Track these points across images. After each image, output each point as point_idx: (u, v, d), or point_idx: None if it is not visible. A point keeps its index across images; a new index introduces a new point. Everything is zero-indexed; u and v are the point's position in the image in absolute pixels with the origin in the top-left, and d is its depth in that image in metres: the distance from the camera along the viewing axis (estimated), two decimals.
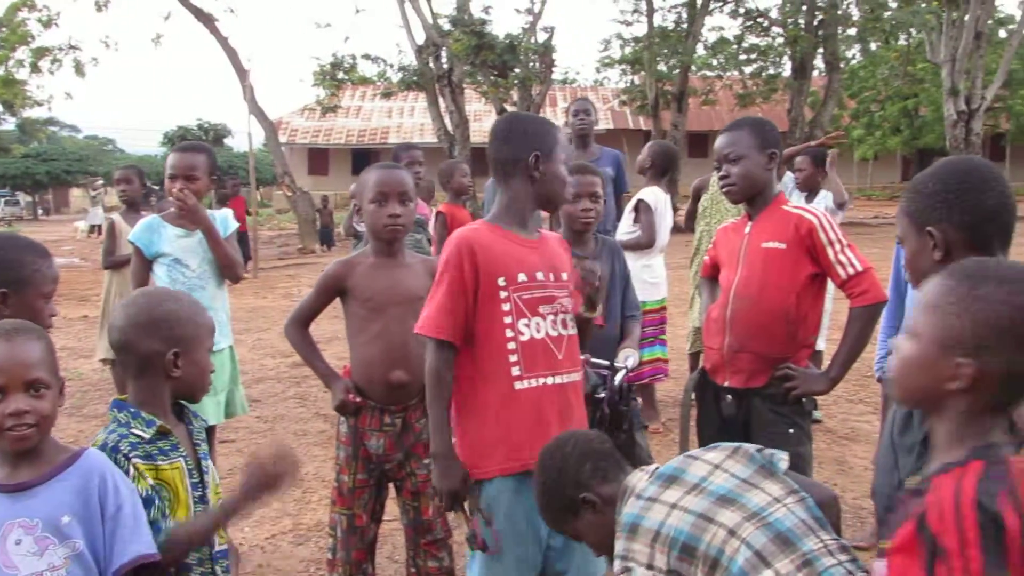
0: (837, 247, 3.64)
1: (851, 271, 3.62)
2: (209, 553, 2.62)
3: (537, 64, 26.77)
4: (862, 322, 3.64)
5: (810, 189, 7.25)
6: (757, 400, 3.72)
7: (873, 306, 3.64)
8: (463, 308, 2.99)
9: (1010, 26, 33.67)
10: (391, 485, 3.89)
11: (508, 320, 3.01)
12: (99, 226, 30.62)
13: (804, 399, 3.70)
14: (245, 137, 34.50)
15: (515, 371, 3.01)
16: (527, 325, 3.01)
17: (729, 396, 3.80)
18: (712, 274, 4.05)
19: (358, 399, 3.63)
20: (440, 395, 3.00)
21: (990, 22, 30.62)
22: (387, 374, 3.64)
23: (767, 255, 3.72)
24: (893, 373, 1.90)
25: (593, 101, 7.78)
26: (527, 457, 2.88)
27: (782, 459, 2.56)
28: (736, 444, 2.58)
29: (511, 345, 3.01)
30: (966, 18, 27.73)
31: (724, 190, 3.82)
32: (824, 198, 7.12)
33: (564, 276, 3.15)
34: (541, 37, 26.98)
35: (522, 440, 2.98)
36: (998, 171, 2.50)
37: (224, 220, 4.92)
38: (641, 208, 6.78)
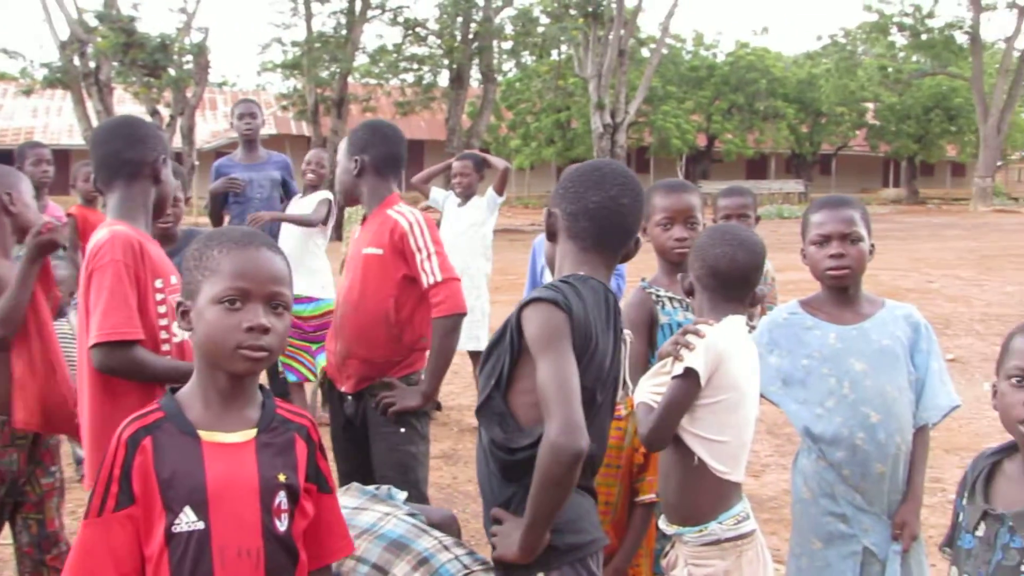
0: (424, 254, 3.89)
1: (432, 280, 3.87)
2: None
3: (192, 65, 27.38)
4: (443, 331, 3.88)
5: (469, 195, 7.76)
6: (371, 401, 3.97)
7: (449, 317, 3.87)
8: (133, 304, 3.03)
9: (652, 45, 37.95)
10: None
11: (164, 323, 3.10)
12: None
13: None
14: None
15: None
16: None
17: (350, 397, 4.05)
18: None
19: None
20: (163, 363, 3.06)
21: (633, 41, 34.72)
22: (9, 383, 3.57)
23: (367, 261, 3.97)
24: None
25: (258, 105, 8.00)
26: None
27: (399, 492, 3.00)
28: (351, 484, 3.07)
29: (166, 347, 3.11)
30: (610, 36, 31.45)
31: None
32: (481, 201, 7.74)
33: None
34: (196, 37, 27.51)
35: None
36: (628, 179, 2.68)
37: None
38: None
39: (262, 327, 2.09)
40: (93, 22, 26.10)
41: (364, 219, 4.20)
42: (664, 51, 38.04)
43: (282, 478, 2.16)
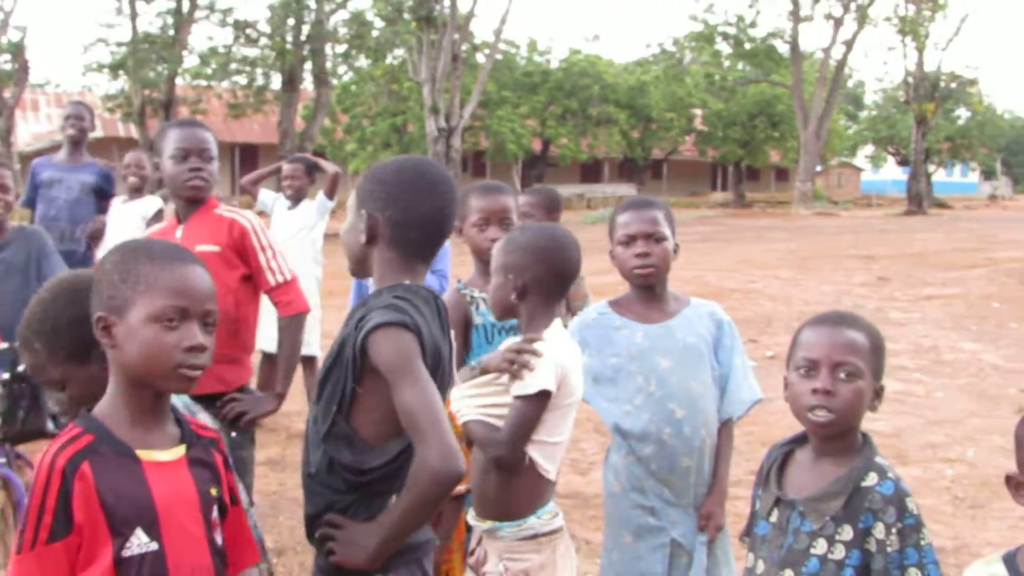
0: (268, 253, 3.94)
1: (280, 279, 3.93)
2: None
3: (11, 65, 26.41)
4: (292, 331, 3.94)
5: (299, 198, 7.68)
6: (213, 409, 3.79)
7: (298, 316, 3.96)
8: None
9: (486, 51, 38.29)
10: None
11: None
12: None
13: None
14: None
15: None
16: None
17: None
18: None
19: None
20: None
21: (467, 46, 34.95)
22: None
23: (202, 258, 4.49)
24: None
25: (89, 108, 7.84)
26: None
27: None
28: None
29: None
30: (444, 41, 31.57)
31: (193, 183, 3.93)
32: (311, 205, 7.67)
33: None
34: (14, 36, 26.70)
35: None
36: (452, 184, 2.61)
37: None
38: None
39: (201, 346, 2.06)
40: None
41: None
42: (498, 56, 38.52)
43: (213, 492, 2.16)
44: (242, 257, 3.90)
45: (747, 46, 44.68)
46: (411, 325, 2.35)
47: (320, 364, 6.49)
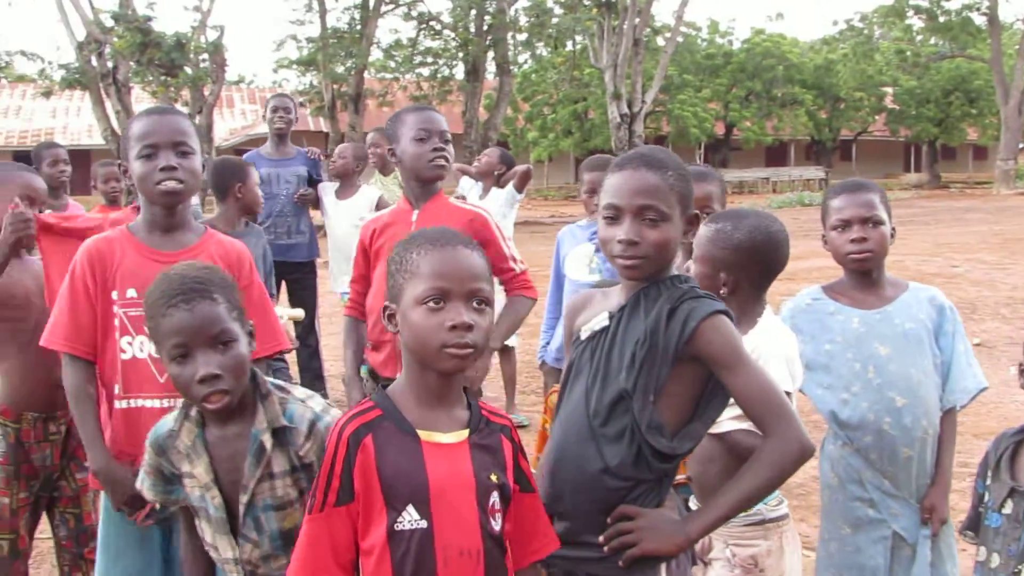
0: (508, 242, 4.09)
1: (521, 267, 4.10)
2: None
3: (208, 63, 27.53)
4: (521, 306, 4.14)
5: (489, 186, 7.76)
6: None
7: (533, 300, 4.15)
8: (84, 317, 3.00)
9: (666, 34, 37.84)
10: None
11: (116, 336, 3.00)
12: None
13: None
14: None
15: (116, 389, 3.02)
16: (130, 343, 2.99)
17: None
18: None
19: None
20: (85, 410, 3.03)
21: (647, 30, 34.64)
22: (52, 374, 3.43)
23: None
24: None
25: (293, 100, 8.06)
26: None
27: None
28: None
29: (116, 363, 3.02)
30: (625, 26, 31.40)
31: (437, 162, 3.96)
32: (499, 195, 7.62)
33: None
34: (212, 36, 27.65)
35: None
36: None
37: None
38: None
39: (465, 324, 2.13)
40: (109, 22, 26.22)
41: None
42: (679, 39, 38.00)
43: (494, 478, 2.21)
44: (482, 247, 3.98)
45: (941, 19, 42.73)
46: (731, 314, 2.40)
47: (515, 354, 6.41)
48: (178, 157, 2.99)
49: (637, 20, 31.55)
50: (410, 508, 2.13)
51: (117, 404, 3.00)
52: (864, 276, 3.33)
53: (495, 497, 2.22)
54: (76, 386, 3.02)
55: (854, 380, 3.25)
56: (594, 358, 2.47)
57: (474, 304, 2.17)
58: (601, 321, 2.49)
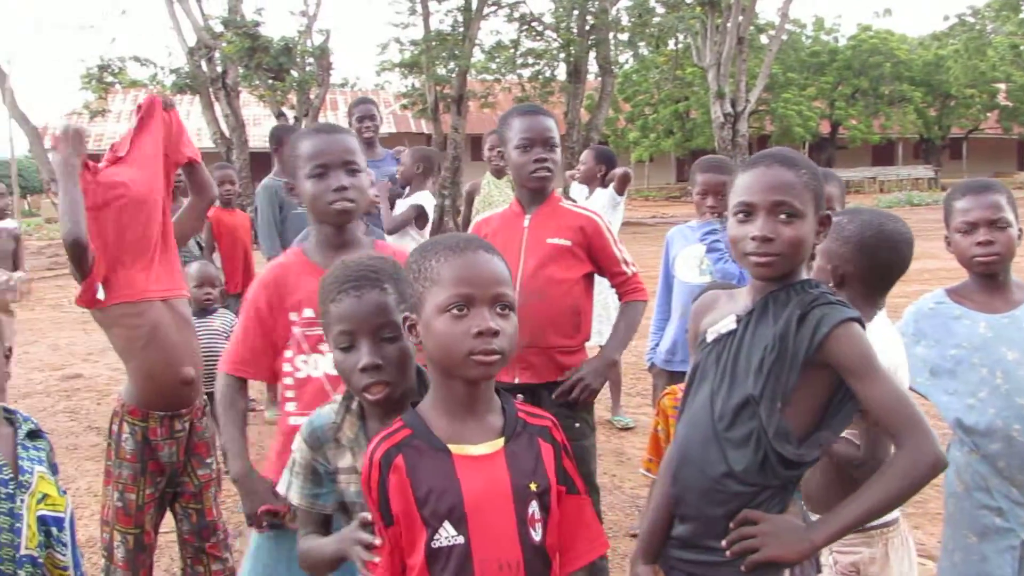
0: (620, 245, 4.05)
1: (633, 269, 4.04)
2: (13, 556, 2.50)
3: (314, 67, 27.98)
4: (635, 311, 4.08)
5: (592, 187, 7.80)
6: (545, 394, 3.90)
7: (644, 302, 4.09)
8: (258, 342, 3.10)
9: (771, 32, 37.37)
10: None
11: (289, 355, 3.07)
12: None
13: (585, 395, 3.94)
14: (6, 143, 34.09)
15: (289, 407, 3.10)
16: (305, 362, 3.06)
17: (520, 394, 3.72)
18: None
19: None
20: (231, 420, 3.13)
21: (751, 28, 34.21)
22: (177, 373, 3.80)
23: (552, 250, 3.93)
24: None
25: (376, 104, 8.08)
26: None
27: None
28: None
29: (288, 380, 3.09)
30: (728, 24, 31.04)
31: (539, 174, 3.93)
32: (603, 195, 7.64)
33: None
34: (317, 39, 28.16)
35: None
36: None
37: None
38: (424, 214, 7.30)
39: (491, 330, 2.07)
40: (219, 28, 26.95)
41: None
42: (784, 37, 37.38)
43: (533, 487, 2.16)
44: (590, 254, 3.96)
45: None
46: (863, 322, 2.36)
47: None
48: (348, 176, 3.03)
49: (741, 18, 31.15)
50: (446, 524, 2.10)
51: (292, 420, 3.02)
52: (990, 279, 3.24)
53: (534, 506, 2.17)
54: (228, 396, 3.12)
55: (981, 386, 3.16)
56: (720, 361, 2.45)
57: (498, 309, 2.11)
58: (728, 324, 2.47)
